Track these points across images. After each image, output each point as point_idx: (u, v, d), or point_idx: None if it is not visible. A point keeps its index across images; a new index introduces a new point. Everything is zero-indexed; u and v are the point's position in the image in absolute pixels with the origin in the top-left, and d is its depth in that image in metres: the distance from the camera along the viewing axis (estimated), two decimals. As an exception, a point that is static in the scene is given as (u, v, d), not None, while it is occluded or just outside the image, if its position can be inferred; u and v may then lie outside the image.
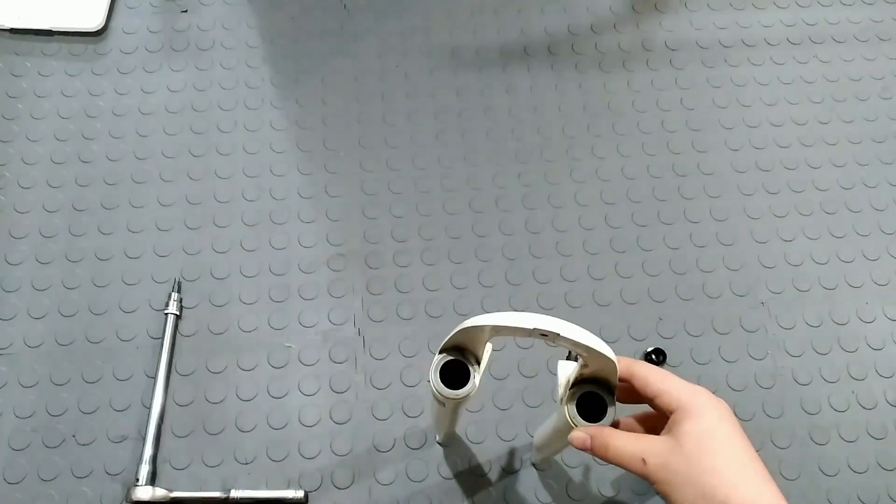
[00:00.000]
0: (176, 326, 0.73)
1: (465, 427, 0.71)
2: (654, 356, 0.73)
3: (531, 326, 0.45)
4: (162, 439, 0.69)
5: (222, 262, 0.77)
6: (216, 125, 0.84)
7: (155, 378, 0.70)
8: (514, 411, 0.72)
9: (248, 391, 0.71)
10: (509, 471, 0.69)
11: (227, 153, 0.83)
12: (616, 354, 0.47)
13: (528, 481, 0.69)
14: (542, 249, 0.79)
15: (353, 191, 0.82)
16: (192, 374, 0.72)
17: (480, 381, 0.49)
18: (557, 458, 0.69)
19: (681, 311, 0.77)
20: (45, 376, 0.71)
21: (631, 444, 0.45)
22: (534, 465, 0.69)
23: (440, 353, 0.49)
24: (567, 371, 0.51)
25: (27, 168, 0.81)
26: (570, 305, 0.77)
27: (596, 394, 0.49)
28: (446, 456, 0.69)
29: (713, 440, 0.43)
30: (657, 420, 0.50)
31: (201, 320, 0.74)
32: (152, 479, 0.66)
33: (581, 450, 0.48)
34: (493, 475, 0.69)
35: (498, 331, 0.47)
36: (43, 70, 0.87)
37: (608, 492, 0.68)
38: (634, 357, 0.73)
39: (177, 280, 0.74)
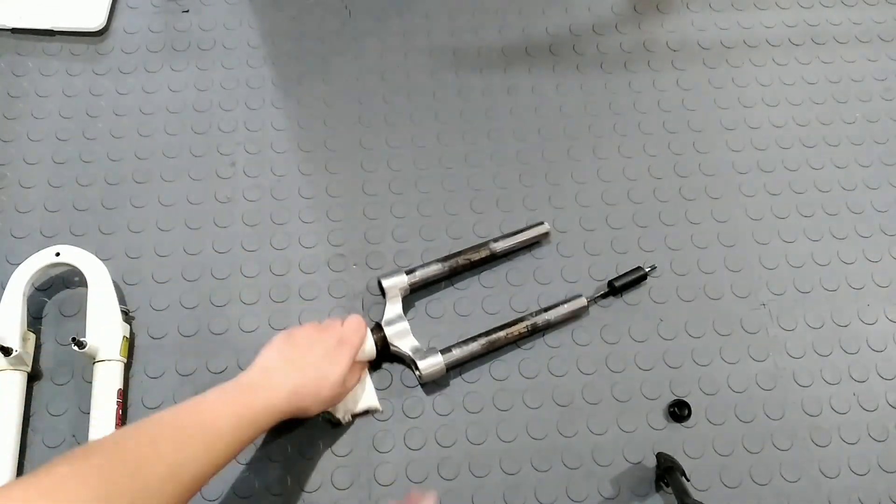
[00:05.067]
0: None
1: (466, 427, 0.71)
2: (676, 410, 0.71)
3: None
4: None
5: (223, 262, 0.77)
6: (217, 125, 0.84)
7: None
8: (514, 413, 0.71)
9: (248, 391, 0.71)
10: (509, 472, 0.69)
11: (228, 153, 0.83)
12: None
13: (529, 482, 0.69)
14: (545, 250, 0.79)
15: (354, 191, 0.82)
16: (192, 374, 0.72)
17: None
18: (558, 457, 0.69)
19: (682, 312, 0.77)
20: (47, 375, 0.71)
21: None
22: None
23: None
24: None
25: (28, 168, 0.81)
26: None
27: None
28: (446, 457, 0.69)
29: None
30: None
31: (202, 320, 0.74)
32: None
33: None
34: (494, 476, 0.69)
35: None
36: (44, 70, 0.87)
37: (608, 492, 0.68)
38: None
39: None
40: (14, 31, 0.88)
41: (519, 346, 0.74)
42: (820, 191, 0.84)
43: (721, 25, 0.94)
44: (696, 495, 0.62)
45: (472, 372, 0.73)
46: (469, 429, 0.71)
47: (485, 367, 0.73)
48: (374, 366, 0.73)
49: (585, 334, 0.75)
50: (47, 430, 0.69)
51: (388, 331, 0.71)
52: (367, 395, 0.70)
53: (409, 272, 0.74)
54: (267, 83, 0.87)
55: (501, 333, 0.72)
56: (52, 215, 0.79)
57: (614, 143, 0.86)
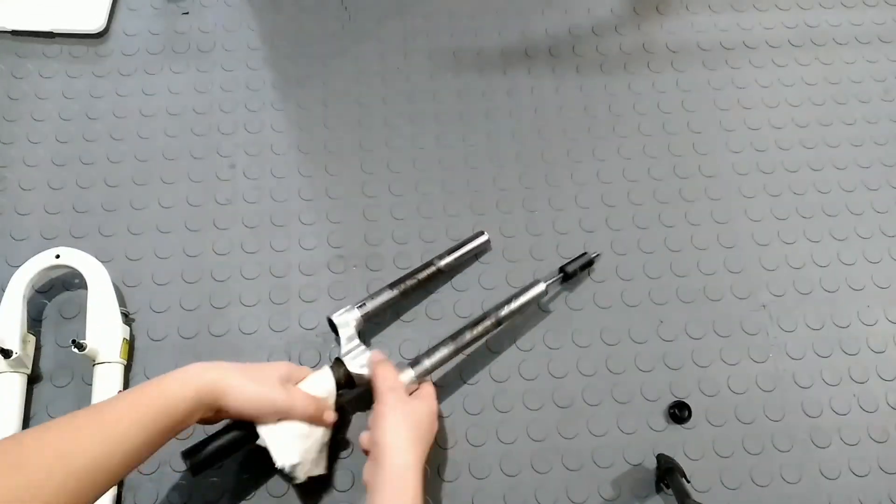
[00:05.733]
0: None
1: (467, 429, 0.71)
2: (676, 411, 0.71)
3: None
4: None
5: (223, 264, 0.77)
6: (217, 127, 0.85)
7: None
8: (514, 414, 0.71)
9: (248, 393, 0.71)
10: (509, 474, 0.69)
11: (228, 155, 0.83)
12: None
13: (529, 484, 0.69)
14: (543, 252, 0.79)
15: (353, 193, 0.82)
16: (192, 376, 0.72)
17: None
18: (558, 458, 0.69)
19: (682, 314, 0.77)
20: (47, 378, 0.71)
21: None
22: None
23: None
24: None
25: (28, 170, 0.81)
26: (570, 307, 0.77)
27: None
28: (447, 458, 0.69)
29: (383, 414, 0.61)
30: None
31: (202, 322, 0.74)
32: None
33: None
34: (494, 478, 0.69)
35: None
36: (44, 72, 0.87)
37: (608, 493, 0.68)
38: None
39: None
40: (14, 33, 0.88)
41: (519, 349, 0.74)
42: (820, 192, 0.84)
43: (721, 27, 0.94)
44: (696, 497, 0.62)
45: (471, 373, 0.73)
46: (469, 430, 0.71)
47: (485, 368, 0.73)
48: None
49: (585, 336, 0.75)
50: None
51: (350, 362, 0.66)
52: (320, 461, 0.65)
53: (360, 306, 0.71)
54: (267, 85, 0.87)
55: (467, 334, 0.69)
56: (52, 217, 0.79)
57: (614, 145, 0.86)
